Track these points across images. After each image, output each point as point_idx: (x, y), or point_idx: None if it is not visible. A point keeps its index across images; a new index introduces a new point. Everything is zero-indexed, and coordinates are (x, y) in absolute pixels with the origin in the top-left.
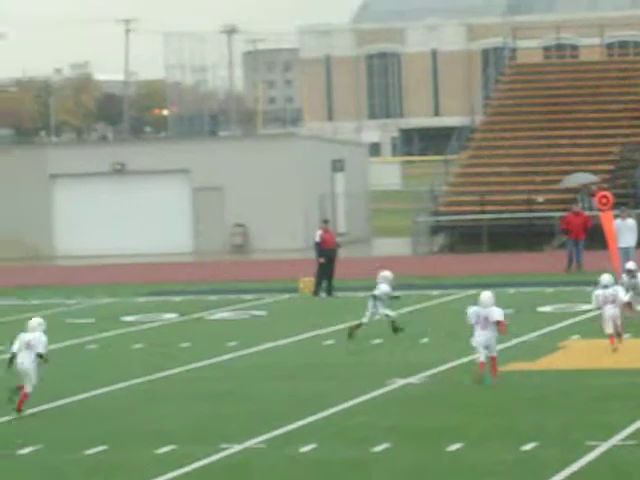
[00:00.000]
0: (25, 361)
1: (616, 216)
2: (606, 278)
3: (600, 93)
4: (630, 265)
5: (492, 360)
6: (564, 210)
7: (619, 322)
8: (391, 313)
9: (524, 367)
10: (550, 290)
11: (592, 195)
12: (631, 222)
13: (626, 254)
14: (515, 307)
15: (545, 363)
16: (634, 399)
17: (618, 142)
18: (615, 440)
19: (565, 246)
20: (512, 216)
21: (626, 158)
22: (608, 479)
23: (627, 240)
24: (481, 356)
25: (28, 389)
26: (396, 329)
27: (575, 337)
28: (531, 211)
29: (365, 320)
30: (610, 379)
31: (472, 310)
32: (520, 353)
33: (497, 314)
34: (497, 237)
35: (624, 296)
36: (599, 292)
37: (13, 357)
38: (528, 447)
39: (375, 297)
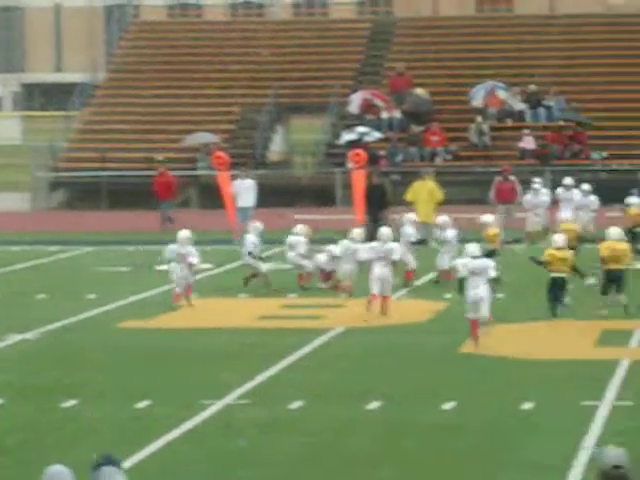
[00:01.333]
0: None
1: (235, 176)
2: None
3: (223, 53)
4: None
5: (189, 287)
6: (190, 169)
7: (391, 281)
8: (264, 268)
9: (140, 325)
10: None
11: (210, 155)
12: (250, 182)
13: (244, 214)
14: (133, 265)
15: (161, 321)
16: (247, 358)
17: (239, 102)
18: (229, 399)
19: (162, 207)
20: (132, 174)
21: (246, 118)
22: (222, 437)
23: (245, 200)
24: (179, 288)
25: None
26: (269, 284)
27: (192, 296)
28: (151, 169)
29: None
30: (224, 338)
31: (171, 248)
32: (136, 311)
33: (192, 254)
34: (117, 195)
35: (397, 255)
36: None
37: None
38: (142, 405)
39: (251, 253)
